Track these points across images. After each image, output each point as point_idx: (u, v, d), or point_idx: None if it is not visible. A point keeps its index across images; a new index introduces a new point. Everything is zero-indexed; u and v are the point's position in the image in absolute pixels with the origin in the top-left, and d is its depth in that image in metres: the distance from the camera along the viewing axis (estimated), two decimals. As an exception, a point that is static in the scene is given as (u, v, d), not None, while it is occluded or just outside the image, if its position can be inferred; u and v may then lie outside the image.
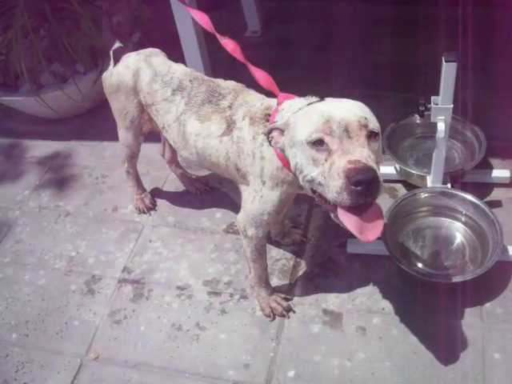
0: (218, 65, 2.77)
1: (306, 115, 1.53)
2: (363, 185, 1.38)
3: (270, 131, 1.62)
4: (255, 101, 1.87)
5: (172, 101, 2.02)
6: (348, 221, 1.46)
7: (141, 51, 2.21)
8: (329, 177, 1.43)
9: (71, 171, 2.91)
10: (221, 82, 2.01)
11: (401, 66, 3.09)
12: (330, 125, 1.45)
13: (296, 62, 3.29)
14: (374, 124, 1.49)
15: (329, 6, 3.56)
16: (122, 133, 2.34)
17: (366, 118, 1.47)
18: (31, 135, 3.16)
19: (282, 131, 1.60)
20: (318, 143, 1.45)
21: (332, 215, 1.53)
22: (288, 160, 1.61)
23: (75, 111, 3.07)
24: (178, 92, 2.01)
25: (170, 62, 2.14)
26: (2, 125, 3.27)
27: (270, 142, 1.64)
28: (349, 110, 1.48)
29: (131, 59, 2.17)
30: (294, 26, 3.57)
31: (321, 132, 1.45)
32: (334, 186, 1.41)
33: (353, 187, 1.38)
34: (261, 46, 3.48)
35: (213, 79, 2.03)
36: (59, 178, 2.89)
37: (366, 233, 1.46)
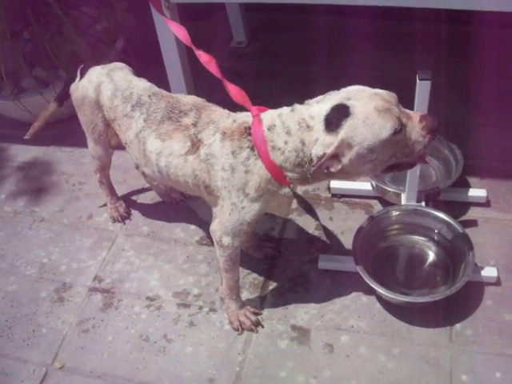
0: (199, 76, 2.76)
1: (366, 121, 1.58)
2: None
3: (323, 163, 1.61)
4: (222, 117, 1.87)
5: (132, 117, 2.01)
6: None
7: (106, 65, 2.19)
8: (414, 143, 1.65)
9: (49, 177, 2.89)
10: (181, 97, 2.00)
11: (383, 81, 3.03)
12: (393, 110, 1.61)
13: (280, 73, 3.29)
14: None
15: (314, 19, 3.56)
16: (91, 145, 2.32)
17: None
18: (10, 139, 3.13)
19: (335, 155, 1.61)
20: (399, 129, 1.62)
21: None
22: (304, 172, 1.70)
23: (56, 117, 3.04)
24: (137, 108, 2.00)
25: (131, 77, 2.12)
26: (-18, 128, 3.25)
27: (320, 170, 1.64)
28: (378, 92, 1.65)
29: (95, 73, 2.15)
30: (280, 38, 3.57)
31: (396, 120, 1.59)
32: (421, 144, 1.66)
33: (432, 136, 1.67)
34: (246, 57, 3.47)
35: (172, 95, 2.02)
36: (36, 183, 2.87)
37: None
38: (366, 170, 1.69)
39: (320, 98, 1.72)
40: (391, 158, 1.67)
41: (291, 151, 1.68)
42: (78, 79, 2.22)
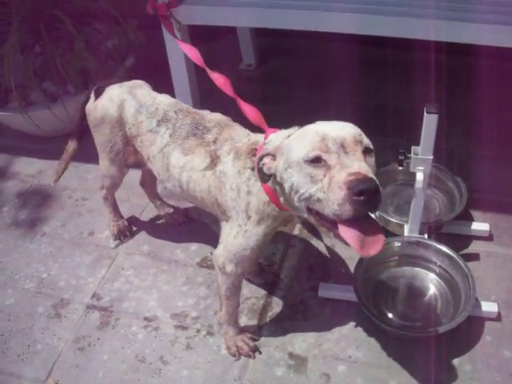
0: (209, 96, 2.77)
1: (300, 136, 1.54)
2: (366, 194, 1.38)
3: (262, 158, 1.61)
4: (241, 136, 1.88)
5: (157, 132, 2.02)
6: (349, 235, 1.45)
7: (124, 83, 2.20)
8: (329, 191, 1.43)
9: (52, 191, 2.89)
10: (206, 114, 2.01)
11: (390, 111, 3.10)
12: (325, 142, 1.46)
13: (287, 98, 3.30)
14: (367, 140, 1.53)
15: (324, 45, 3.59)
16: (105, 164, 2.30)
17: (360, 134, 1.52)
18: (16, 151, 3.15)
19: (273, 156, 1.59)
20: (316, 160, 1.46)
21: (332, 234, 1.54)
22: (278, 190, 1.63)
23: (62, 131, 3.06)
24: (162, 123, 2.02)
25: (155, 94, 2.14)
26: (-12, 138, 3.26)
27: (260, 169, 1.61)
28: (342, 128, 1.51)
29: (115, 92, 2.16)
30: (288, 63, 3.60)
31: (317, 149, 1.46)
32: (335, 199, 1.41)
33: (355, 197, 1.39)
34: (254, 80, 3.50)
35: (198, 111, 2.04)
36: (39, 196, 2.87)
37: (368, 248, 1.45)
38: (289, 190, 1.55)
39: None
40: (306, 191, 1.49)
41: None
42: (92, 99, 2.21)
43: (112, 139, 2.19)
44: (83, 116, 2.28)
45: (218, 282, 2.00)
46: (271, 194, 1.70)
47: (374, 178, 1.43)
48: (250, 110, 1.85)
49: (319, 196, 1.46)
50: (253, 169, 1.74)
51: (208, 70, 1.98)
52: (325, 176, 1.45)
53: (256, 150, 1.75)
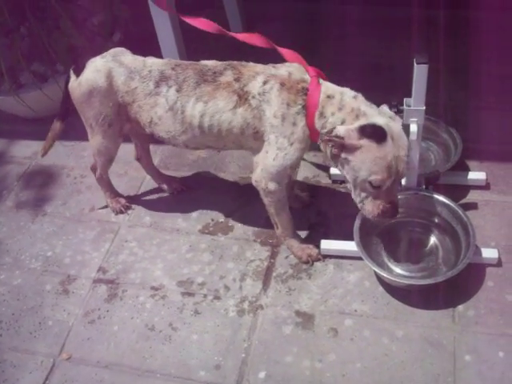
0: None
1: (376, 157, 1.83)
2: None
3: (334, 144, 1.87)
4: (269, 69, 2.05)
5: (157, 93, 2.07)
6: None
7: (105, 53, 2.20)
8: (369, 202, 1.95)
9: (50, 171, 2.90)
10: (203, 62, 2.10)
11: (382, 68, 3.10)
12: (391, 176, 1.86)
13: (279, 62, 3.28)
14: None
15: (312, 7, 3.57)
16: (97, 140, 2.30)
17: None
18: (11, 134, 3.15)
19: (343, 146, 1.86)
20: (377, 186, 1.89)
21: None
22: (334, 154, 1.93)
23: (55, 111, 3.04)
24: (162, 83, 2.06)
25: (141, 57, 2.17)
26: (-18, 124, 3.25)
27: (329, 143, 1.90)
28: (404, 159, 1.89)
29: (99, 63, 2.16)
30: (278, 27, 3.55)
31: (383, 181, 1.86)
32: (369, 210, 1.96)
33: (380, 218, 1.98)
34: (243, 47, 3.45)
35: (194, 62, 2.11)
36: (38, 177, 2.88)
37: None
38: (347, 172, 1.95)
39: (382, 108, 2.00)
40: (362, 191, 1.97)
41: (331, 123, 1.92)
42: (73, 77, 2.21)
43: (103, 111, 2.19)
44: (67, 95, 2.28)
45: (265, 204, 2.18)
46: (314, 132, 1.97)
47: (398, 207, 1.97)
48: (287, 52, 2.12)
49: (363, 197, 1.96)
50: (303, 106, 1.94)
51: (232, 35, 2.16)
52: (371, 193, 1.93)
53: (307, 89, 1.94)
